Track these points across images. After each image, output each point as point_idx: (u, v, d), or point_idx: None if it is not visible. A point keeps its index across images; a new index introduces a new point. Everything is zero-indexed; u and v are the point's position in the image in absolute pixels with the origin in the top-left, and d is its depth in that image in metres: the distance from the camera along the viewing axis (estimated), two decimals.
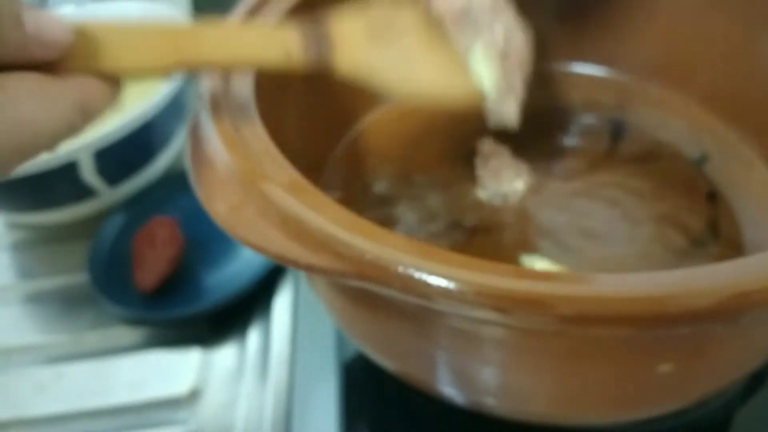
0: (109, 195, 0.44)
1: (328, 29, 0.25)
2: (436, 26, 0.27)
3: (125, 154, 0.43)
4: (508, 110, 0.28)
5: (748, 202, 0.35)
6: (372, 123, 0.41)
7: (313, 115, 0.36)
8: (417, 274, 0.19)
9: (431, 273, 0.19)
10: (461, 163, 0.38)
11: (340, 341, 0.35)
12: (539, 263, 0.32)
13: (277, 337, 0.37)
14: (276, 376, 0.35)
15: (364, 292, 0.21)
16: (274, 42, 0.24)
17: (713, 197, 0.35)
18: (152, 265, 0.39)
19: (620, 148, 0.39)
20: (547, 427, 0.27)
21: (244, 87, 0.28)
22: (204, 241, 0.42)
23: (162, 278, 0.39)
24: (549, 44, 0.43)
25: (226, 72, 0.29)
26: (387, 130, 0.41)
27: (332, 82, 0.28)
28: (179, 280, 0.40)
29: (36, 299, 0.43)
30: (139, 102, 0.46)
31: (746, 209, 0.34)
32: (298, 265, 0.21)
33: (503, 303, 0.18)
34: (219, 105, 0.27)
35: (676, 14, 0.39)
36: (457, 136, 0.39)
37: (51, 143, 0.20)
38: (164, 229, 0.41)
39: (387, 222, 0.35)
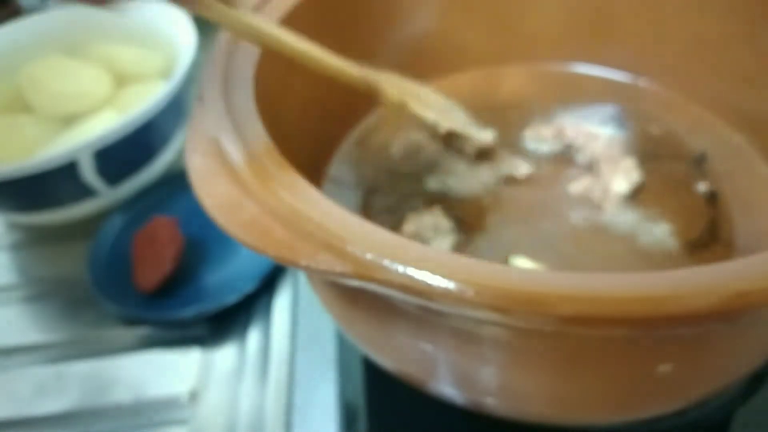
0: (109, 195, 0.44)
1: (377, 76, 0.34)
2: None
3: (125, 154, 0.43)
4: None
5: (748, 202, 0.35)
6: (375, 120, 0.42)
7: (315, 114, 0.36)
8: (417, 274, 0.19)
9: (431, 273, 0.19)
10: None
11: (340, 341, 0.35)
12: (523, 263, 0.32)
13: (277, 337, 0.37)
14: (276, 376, 0.35)
15: (364, 292, 0.21)
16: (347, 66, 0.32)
17: (713, 197, 0.35)
18: (152, 265, 0.39)
19: (620, 147, 0.39)
20: (547, 427, 0.27)
21: (243, 86, 0.28)
22: (204, 241, 0.42)
23: (162, 278, 0.39)
24: (550, 44, 0.44)
25: (226, 73, 0.29)
26: (390, 128, 0.41)
27: (334, 80, 0.29)
28: (179, 280, 0.40)
29: (36, 299, 0.43)
30: (139, 102, 0.46)
31: (746, 209, 0.34)
32: (298, 265, 0.21)
33: (503, 303, 0.18)
34: (219, 105, 0.27)
35: (676, 15, 0.39)
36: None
37: None
38: (164, 229, 0.41)
39: (389, 221, 0.35)
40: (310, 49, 0.30)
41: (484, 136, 0.39)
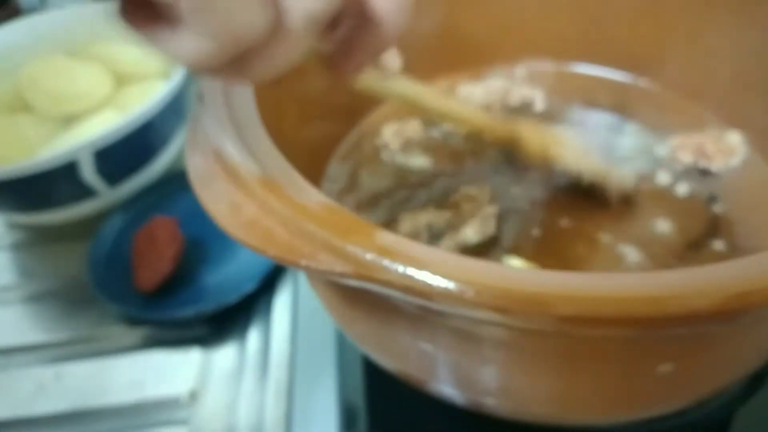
0: (109, 195, 0.44)
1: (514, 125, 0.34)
2: None
3: (125, 154, 0.43)
4: None
5: (748, 201, 0.35)
6: (376, 120, 0.41)
7: (315, 114, 0.36)
8: (417, 274, 0.19)
9: (431, 273, 0.19)
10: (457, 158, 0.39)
11: (340, 341, 0.35)
12: (516, 263, 0.32)
13: (277, 337, 0.37)
14: (276, 376, 0.35)
15: (364, 292, 0.21)
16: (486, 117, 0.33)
17: (713, 198, 0.35)
18: (152, 264, 0.39)
19: (619, 148, 0.39)
20: (547, 427, 0.27)
21: (244, 86, 0.28)
22: (204, 241, 0.42)
23: (162, 278, 0.39)
24: (550, 44, 0.44)
25: None
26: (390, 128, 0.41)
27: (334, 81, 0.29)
28: (179, 280, 0.40)
29: (36, 299, 0.43)
30: (139, 102, 0.46)
31: (746, 209, 0.34)
32: (298, 265, 0.21)
33: (503, 303, 0.18)
34: (218, 105, 0.27)
35: (678, 15, 0.39)
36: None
37: None
38: (164, 228, 0.41)
39: (388, 221, 0.35)
40: (461, 111, 0.31)
41: (626, 179, 0.35)
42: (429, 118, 0.31)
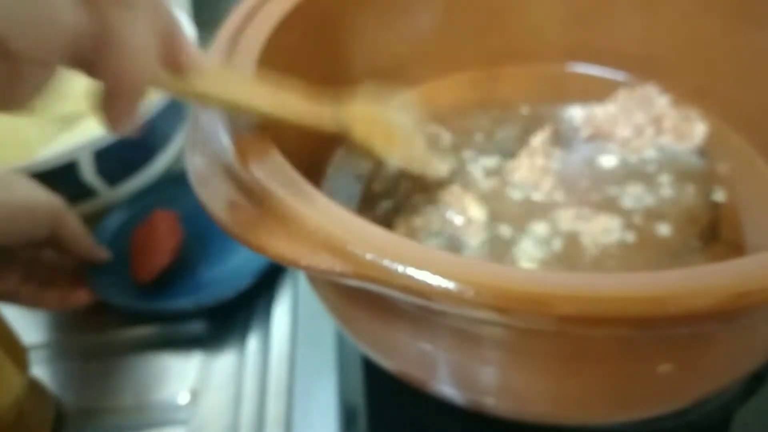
0: (109, 195, 0.44)
1: (345, 114, 0.31)
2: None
3: (125, 154, 0.43)
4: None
5: (748, 201, 0.35)
6: None
7: None
8: (417, 274, 0.19)
9: (431, 273, 0.19)
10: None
11: (340, 341, 0.35)
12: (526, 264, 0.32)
13: (277, 337, 0.37)
14: (276, 376, 0.35)
15: (364, 292, 0.21)
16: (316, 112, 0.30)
17: (712, 198, 0.35)
18: (151, 256, 0.39)
19: None
20: (547, 427, 0.27)
21: None
22: (203, 240, 0.42)
23: (161, 269, 0.39)
24: (549, 44, 0.44)
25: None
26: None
27: (332, 82, 0.29)
28: (178, 274, 0.40)
29: None
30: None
31: (746, 209, 0.34)
32: (298, 265, 0.21)
33: (503, 303, 0.18)
34: None
35: (677, 15, 0.39)
36: None
37: None
38: (164, 222, 0.41)
39: (387, 222, 0.35)
40: (278, 109, 0.27)
41: (441, 169, 0.36)
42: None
